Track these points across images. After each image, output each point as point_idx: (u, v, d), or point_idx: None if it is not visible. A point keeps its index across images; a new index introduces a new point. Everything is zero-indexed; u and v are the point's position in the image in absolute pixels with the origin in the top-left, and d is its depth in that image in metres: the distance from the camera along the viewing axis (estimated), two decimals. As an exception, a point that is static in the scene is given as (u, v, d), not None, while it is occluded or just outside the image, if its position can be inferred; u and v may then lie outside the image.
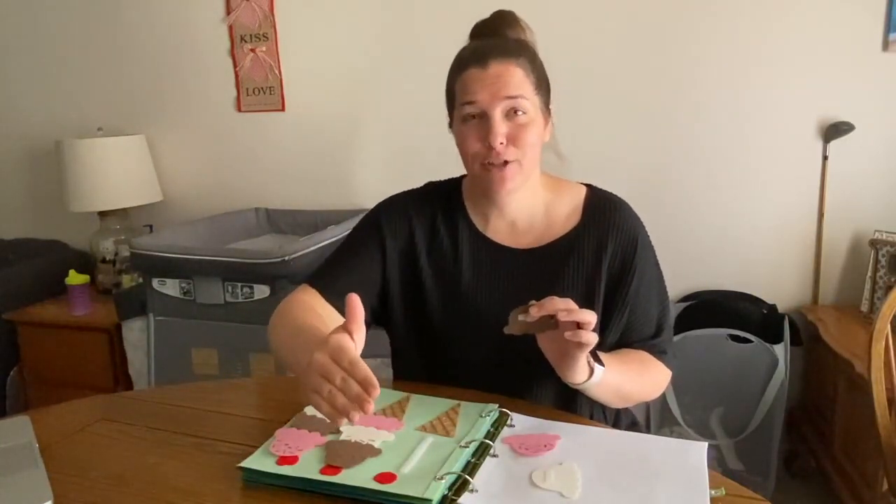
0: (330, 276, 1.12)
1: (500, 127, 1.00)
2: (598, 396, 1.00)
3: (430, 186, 1.20)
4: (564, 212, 1.11)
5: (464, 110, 1.02)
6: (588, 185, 1.15)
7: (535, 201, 1.11)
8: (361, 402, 0.75)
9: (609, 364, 0.97)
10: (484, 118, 1.01)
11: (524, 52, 1.03)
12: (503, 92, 0.99)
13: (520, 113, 1.00)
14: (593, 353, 0.94)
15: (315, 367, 0.76)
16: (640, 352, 1.09)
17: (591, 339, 0.86)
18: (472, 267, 1.11)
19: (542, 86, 1.05)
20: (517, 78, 1.00)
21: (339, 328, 0.80)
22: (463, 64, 1.02)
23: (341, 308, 1.06)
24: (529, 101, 1.01)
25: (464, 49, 1.06)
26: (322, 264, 1.17)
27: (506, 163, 1.02)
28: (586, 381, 0.94)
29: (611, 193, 1.15)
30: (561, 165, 1.14)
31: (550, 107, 1.08)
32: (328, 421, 0.78)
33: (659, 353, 1.10)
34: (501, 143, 1.00)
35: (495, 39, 1.05)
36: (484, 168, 1.03)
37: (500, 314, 1.08)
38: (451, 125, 1.09)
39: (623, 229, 1.09)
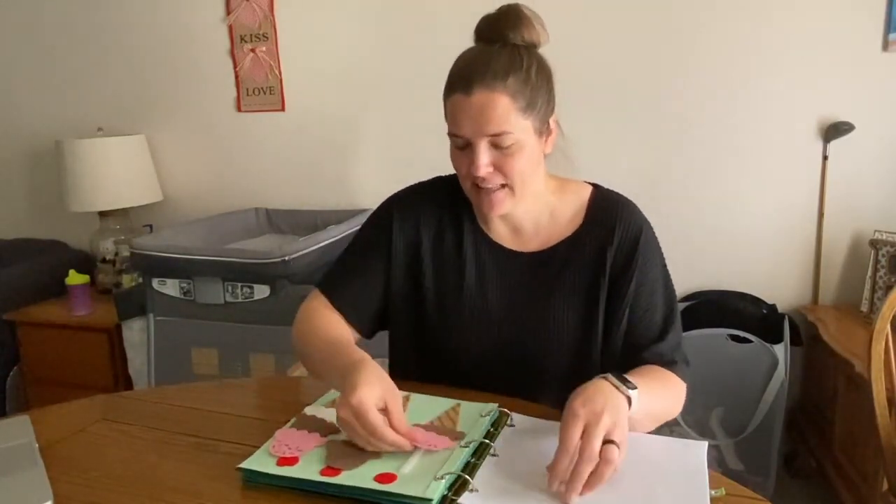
0: (339, 282, 1.14)
1: (484, 157, 0.98)
2: (632, 424, 0.87)
3: (439, 181, 1.18)
4: (569, 214, 1.10)
5: (451, 137, 1.01)
6: (594, 185, 1.13)
7: (539, 206, 1.09)
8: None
9: (640, 389, 0.87)
10: (470, 145, 0.99)
11: (514, 71, 0.97)
12: (485, 129, 0.96)
13: (506, 143, 0.97)
14: (624, 380, 0.87)
15: (340, 423, 0.84)
16: (654, 368, 1.03)
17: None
18: (476, 267, 1.10)
19: (537, 103, 0.99)
20: (500, 110, 0.95)
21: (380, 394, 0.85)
22: (452, 84, 0.99)
23: (348, 314, 1.10)
24: (515, 132, 0.97)
25: (457, 62, 1.02)
26: (332, 266, 1.17)
27: (497, 186, 1.01)
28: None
29: (616, 193, 1.12)
30: (569, 167, 1.11)
31: (552, 119, 1.04)
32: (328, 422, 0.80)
33: (670, 365, 1.04)
34: (488, 171, 0.99)
35: (487, 52, 0.99)
36: (475, 188, 1.03)
37: (500, 318, 1.07)
38: None
39: (625, 226, 1.06)
